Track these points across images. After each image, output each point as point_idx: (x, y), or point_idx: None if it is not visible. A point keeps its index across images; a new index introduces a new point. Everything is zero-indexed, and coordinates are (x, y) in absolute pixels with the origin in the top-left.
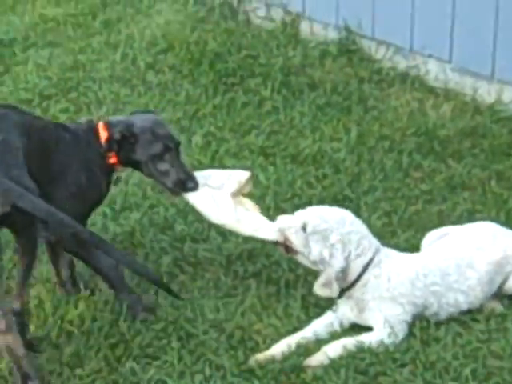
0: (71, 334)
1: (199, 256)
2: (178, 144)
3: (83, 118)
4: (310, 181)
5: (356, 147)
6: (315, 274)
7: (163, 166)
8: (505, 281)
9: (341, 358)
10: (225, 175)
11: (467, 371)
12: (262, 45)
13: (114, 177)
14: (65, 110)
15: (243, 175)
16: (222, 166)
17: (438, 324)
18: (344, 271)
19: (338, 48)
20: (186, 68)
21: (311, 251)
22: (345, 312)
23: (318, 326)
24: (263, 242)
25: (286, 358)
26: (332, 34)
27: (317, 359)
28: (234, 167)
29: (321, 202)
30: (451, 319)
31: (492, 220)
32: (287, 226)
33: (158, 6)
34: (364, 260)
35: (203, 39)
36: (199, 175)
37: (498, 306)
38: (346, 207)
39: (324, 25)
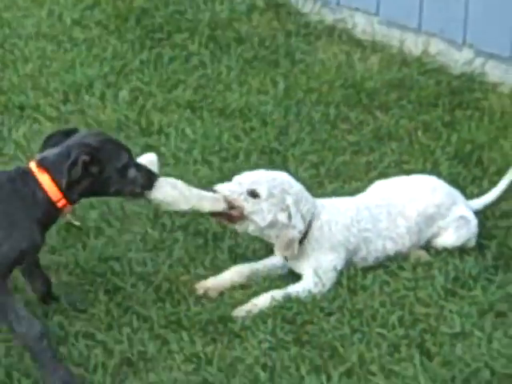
0: None
1: (126, 210)
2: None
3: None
4: (238, 134)
5: (283, 100)
6: None
7: (132, 173)
8: (436, 235)
9: (269, 308)
10: (143, 161)
11: (394, 318)
12: (189, 0)
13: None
14: None
15: (152, 157)
16: (149, 123)
17: (365, 272)
18: (302, 232)
19: (265, 2)
20: (112, 24)
21: (264, 216)
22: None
23: (269, 262)
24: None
25: (214, 308)
26: None
27: (245, 309)
28: (159, 123)
29: (248, 154)
30: (378, 267)
31: (419, 170)
32: (235, 192)
33: None
34: (309, 216)
35: None
36: None
37: (424, 255)
38: (274, 159)
39: None
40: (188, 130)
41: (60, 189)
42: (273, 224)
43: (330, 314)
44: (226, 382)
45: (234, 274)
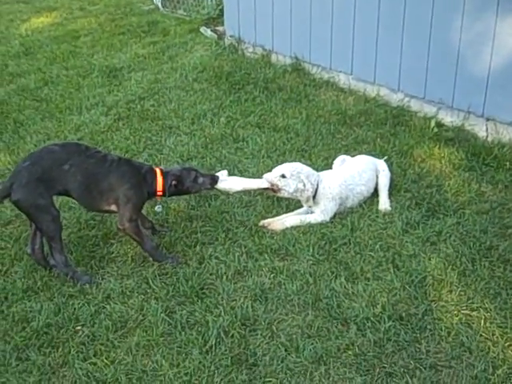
0: None
1: None
2: (195, 169)
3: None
4: (284, 141)
5: (305, 122)
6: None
7: (200, 180)
8: (376, 182)
9: (307, 238)
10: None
11: (377, 246)
12: (252, 67)
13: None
14: (152, 105)
15: (225, 172)
16: (237, 135)
17: (359, 220)
18: (313, 191)
19: (292, 68)
20: (213, 80)
21: (291, 187)
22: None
23: (301, 210)
24: (260, 190)
25: (281, 240)
26: (288, 60)
27: (277, 223)
28: (242, 135)
29: (290, 152)
30: (364, 216)
31: (372, 154)
32: (273, 177)
33: (196, 47)
34: (315, 183)
35: (221, 65)
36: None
37: (388, 208)
38: (303, 155)
39: (284, 55)
40: (258, 139)
41: (162, 188)
42: (296, 190)
43: (343, 244)
44: (290, 282)
45: (285, 216)
